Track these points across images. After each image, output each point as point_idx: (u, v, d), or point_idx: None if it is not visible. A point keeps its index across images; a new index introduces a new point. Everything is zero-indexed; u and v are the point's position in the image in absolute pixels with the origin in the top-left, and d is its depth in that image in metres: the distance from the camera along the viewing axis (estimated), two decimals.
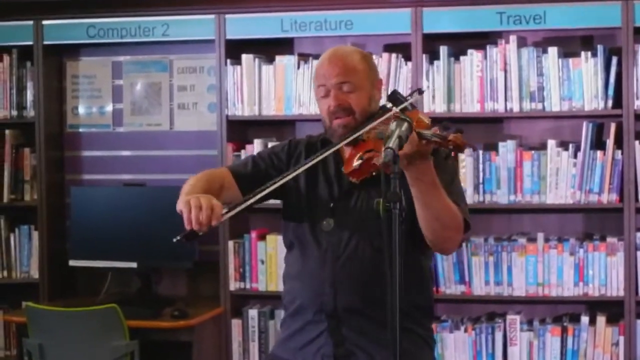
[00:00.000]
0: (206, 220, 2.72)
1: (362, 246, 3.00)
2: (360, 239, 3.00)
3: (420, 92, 3.04)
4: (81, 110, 5.75)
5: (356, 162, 2.87)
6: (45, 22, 5.46)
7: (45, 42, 5.48)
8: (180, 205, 2.78)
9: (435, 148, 2.65)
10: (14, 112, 5.57)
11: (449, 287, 5.05)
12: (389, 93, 3.00)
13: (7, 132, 5.61)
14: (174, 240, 2.75)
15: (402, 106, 2.89)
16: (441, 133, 2.63)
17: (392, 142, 2.48)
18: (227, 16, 5.23)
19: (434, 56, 5.06)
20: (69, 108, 5.75)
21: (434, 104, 5.04)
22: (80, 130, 5.76)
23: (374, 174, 2.86)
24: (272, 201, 3.13)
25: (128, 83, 5.69)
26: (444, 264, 5.02)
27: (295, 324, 3.12)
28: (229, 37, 5.24)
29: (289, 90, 5.21)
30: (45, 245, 5.53)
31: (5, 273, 5.59)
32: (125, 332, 4.78)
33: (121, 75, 5.70)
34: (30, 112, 5.57)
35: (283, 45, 5.37)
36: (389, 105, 2.97)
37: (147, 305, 5.17)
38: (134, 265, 5.32)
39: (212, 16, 5.24)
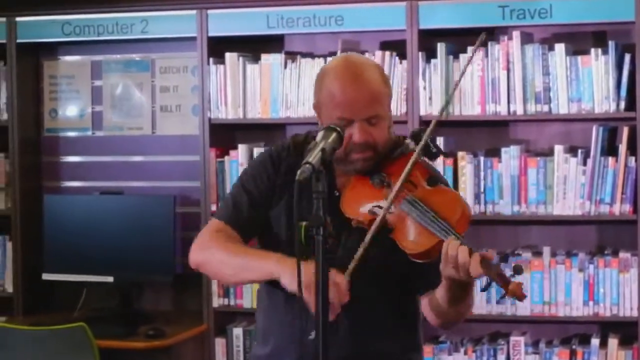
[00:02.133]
0: (338, 304, 2.41)
1: (354, 293, 2.54)
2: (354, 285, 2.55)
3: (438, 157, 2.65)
4: (59, 112, 5.42)
5: (364, 211, 2.53)
6: (19, 19, 5.18)
7: (19, 41, 5.20)
8: (297, 285, 2.31)
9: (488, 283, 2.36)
10: None
11: None
12: (413, 132, 2.63)
13: None
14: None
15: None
16: (503, 273, 2.33)
17: (313, 157, 2.12)
18: (209, 12, 4.92)
19: (431, 54, 4.75)
20: (47, 110, 5.44)
21: (430, 106, 4.72)
22: (59, 134, 5.44)
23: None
24: None
25: (108, 84, 5.36)
26: None
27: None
28: (211, 34, 4.93)
29: (276, 92, 4.88)
30: (19, 257, 5.24)
31: None
32: (95, 352, 4.50)
33: (101, 76, 5.38)
34: (3, 115, 5.28)
35: (271, 43, 5.05)
36: (411, 143, 2.61)
37: (124, 323, 4.91)
38: (110, 279, 5.02)
39: (194, 12, 4.93)
